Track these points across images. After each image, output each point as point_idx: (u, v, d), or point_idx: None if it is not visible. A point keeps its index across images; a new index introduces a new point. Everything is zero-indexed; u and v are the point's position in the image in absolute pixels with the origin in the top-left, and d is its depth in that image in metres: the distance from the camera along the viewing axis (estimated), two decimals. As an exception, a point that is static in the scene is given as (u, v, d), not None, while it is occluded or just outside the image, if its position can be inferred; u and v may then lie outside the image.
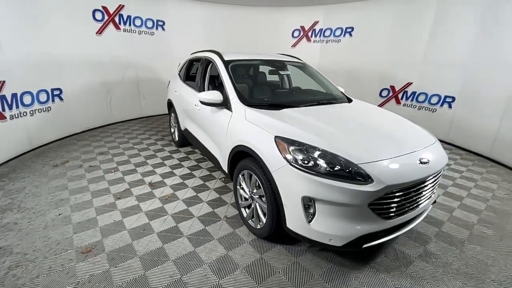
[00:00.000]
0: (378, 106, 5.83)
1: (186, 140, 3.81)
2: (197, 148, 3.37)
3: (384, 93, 5.81)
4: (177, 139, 4.16)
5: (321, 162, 1.63)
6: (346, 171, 1.58)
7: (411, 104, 5.35)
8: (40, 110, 4.00)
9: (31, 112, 3.85)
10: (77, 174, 3.21)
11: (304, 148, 1.70)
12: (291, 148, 1.72)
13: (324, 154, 1.66)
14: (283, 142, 1.77)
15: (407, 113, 5.38)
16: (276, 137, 1.82)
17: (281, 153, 1.74)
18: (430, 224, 2.40)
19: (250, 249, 2.04)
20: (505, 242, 2.20)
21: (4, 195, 2.70)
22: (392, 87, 5.64)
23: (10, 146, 3.58)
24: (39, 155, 3.75)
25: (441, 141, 4.84)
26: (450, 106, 4.72)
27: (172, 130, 4.38)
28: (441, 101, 4.83)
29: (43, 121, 4.06)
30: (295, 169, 1.65)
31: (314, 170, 1.61)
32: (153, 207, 2.55)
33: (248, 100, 2.36)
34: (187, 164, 3.60)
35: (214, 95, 2.42)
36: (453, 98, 4.65)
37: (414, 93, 5.28)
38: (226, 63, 2.72)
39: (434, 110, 4.97)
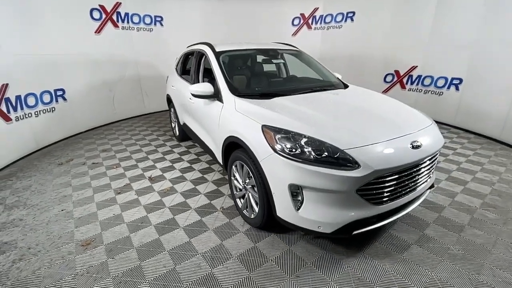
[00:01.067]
0: (383, 92, 5.72)
1: (186, 134, 3.84)
2: (196, 141, 3.40)
3: (389, 78, 5.64)
4: (177, 133, 4.20)
5: (308, 149, 1.60)
6: (333, 157, 1.55)
7: (417, 89, 5.17)
8: (44, 111, 4.11)
9: (36, 113, 3.96)
10: (81, 171, 3.30)
11: (291, 135, 1.68)
12: (278, 136, 1.70)
13: (311, 141, 1.63)
14: (269, 130, 1.75)
15: (412, 97, 5.22)
16: (263, 126, 1.81)
17: (268, 142, 1.73)
18: (430, 209, 2.34)
19: (244, 238, 2.06)
20: (508, 226, 2.12)
21: (11, 193, 2.81)
22: (397, 72, 5.46)
23: (18, 146, 3.71)
24: (46, 155, 3.88)
25: (448, 125, 4.70)
26: (457, 89, 4.53)
27: (173, 125, 4.42)
28: (448, 83, 4.65)
29: (48, 122, 4.18)
30: (281, 157, 1.63)
31: (300, 157, 1.59)
32: (152, 201, 2.61)
33: (239, 91, 2.34)
34: (187, 158, 3.63)
35: (205, 87, 2.41)
36: (461, 80, 4.46)
37: (419, 76, 5.10)
38: (217, 54, 2.70)
39: (441, 93, 4.79)
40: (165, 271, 1.76)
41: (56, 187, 2.92)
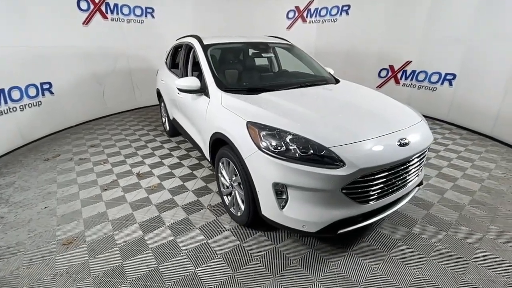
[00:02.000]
0: (377, 87, 5.67)
1: (177, 129, 3.77)
2: (185, 137, 3.34)
3: (383, 73, 5.58)
4: (168, 129, 4.13)
5: (293, 147, 1.56)
6: (318, 155, 1.51)
7: (411, 84, 5.13)
8: (30, 105, 4.00)
9: (21, 107, 3.85)
10: (67, 167, 3.23)
11: (276, 132, 1.63)
12: (263, 133, 1.65)
13: (296, 138, 1.58)
14: (254, 127, 1.70)
15: (406, 93, 5.19)
16: (248, 122, 1.75)
17: (252, 139, 1.68)
18: (419, 206, 2.33)
19: (230, 236, 2.02)
20: (496, 224, 2.11)
21: (-7, 190, 2.74)
22: (391, 67, 5.41)
23: (2, 141, 3.60)
24: (32, 150, 3.78)
25: (441, 120, 4.69)
26: (450, 84, 4.51)
27: (163, 120, 4.35)
28: (442, 79, 4.61)
29: (34, 116, 4.07)
30: (265, 155, 1.59)
31: (284, 155, 1.55)
32: (138, 198, 2.55)
33: (226, 85, 2.28)
34: (177, 153, 3.57)
35: (191, 82, 2.34)
36: (454, 75, 4.43)
37: (413, 72, 5.06)
38: (205, 48, 2.62)
39: (434, 89, 4.76)
40: (148, 271, 1.72)
41: (40, 184, 2.85)
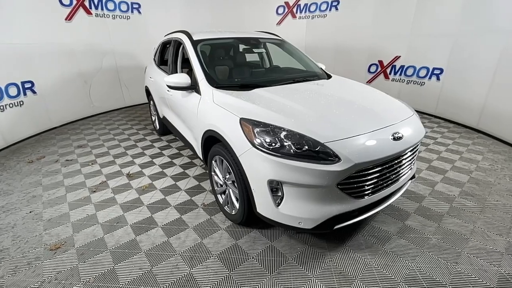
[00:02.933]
0: (367, 82, 5.72)
1: (167, 128, 3.69)
2: (176, 135, 3.27)
3: (373, 68, 5.63)
4: (158, 127, 4.03)
5: (288, 143, 1.53)
6: (313, 151, 1.49)
7: (400, 79, 5.20)
8: (11, 105, 3.82)
9: (1, 107, 3.68)
10: (53, 169, 3.11)
11: (270, 129, 1.60)
12: (256, 130, 1.62)
13: (291, 135, 1.56)
14: (248, 124, 1.67)
15: (395, 88, 5.25)
16: (241, 119, 1.72)
17: (246, 136, 1.64)
18: (411, 199, 2.36)
19: (225, 235, 1.99)
20: (485, 214, 2.17)
21: (-26, 195, 2.61)
22: (381, 62, 5.45)
23: (-18, 144, 3.44)
24: (15, 152, 3.63)
25: (429, 114, 4.78)
26: (438, 78, 4.59)
27: (153, 118, 4.25)
28: (429, 73, 4.69)
29: (16, 117, 3.90)
30: (259, 152, 1.56)
31: (279, 151, 1.52)
32: (129, 199, 2.48)
33: (217, 82, 2.23)
34: (168, 152, 3.50)
35: (181, 78, 2.27)
36: (441, 70, 4.51)
37: (402, 67, 5.12)
38: (195, 43, 2.56)
39: (423, 83, 4.84)
40: (141, 274, 1.67)
41: (24, 187, 2.73)
